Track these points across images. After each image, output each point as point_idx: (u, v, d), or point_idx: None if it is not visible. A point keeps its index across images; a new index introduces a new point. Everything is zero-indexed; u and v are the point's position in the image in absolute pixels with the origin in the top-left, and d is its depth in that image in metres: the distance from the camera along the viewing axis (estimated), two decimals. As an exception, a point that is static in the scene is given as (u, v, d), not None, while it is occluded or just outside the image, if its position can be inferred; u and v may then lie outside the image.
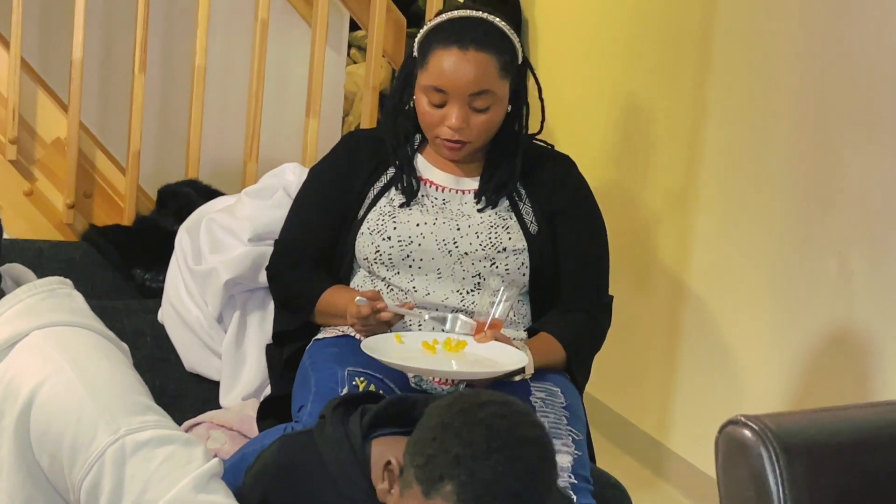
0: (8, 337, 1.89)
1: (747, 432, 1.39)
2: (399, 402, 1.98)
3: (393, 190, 2.80)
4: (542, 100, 2.88)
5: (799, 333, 3.67)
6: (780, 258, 3.77)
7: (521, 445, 1.74)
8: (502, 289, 2.66)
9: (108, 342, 1.97)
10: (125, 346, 2.03)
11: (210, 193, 3.50)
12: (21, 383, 1.85)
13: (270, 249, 3.09)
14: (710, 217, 4.14)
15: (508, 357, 2.58)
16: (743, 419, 1.38)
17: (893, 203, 3.35)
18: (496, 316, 2.65)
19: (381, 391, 2.58)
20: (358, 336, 2.72)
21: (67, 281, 2.05)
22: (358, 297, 2.58)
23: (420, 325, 2.73)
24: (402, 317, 2.64)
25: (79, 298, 2.03)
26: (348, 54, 4.98)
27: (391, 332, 2.65)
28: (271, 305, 3.10)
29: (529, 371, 2.66)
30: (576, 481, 2.56)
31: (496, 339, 2.62)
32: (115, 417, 1.83)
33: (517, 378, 2.65)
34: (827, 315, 3.56)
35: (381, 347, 2.56)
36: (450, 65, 2.68)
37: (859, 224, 3.47)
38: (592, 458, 2.77)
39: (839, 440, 1.42)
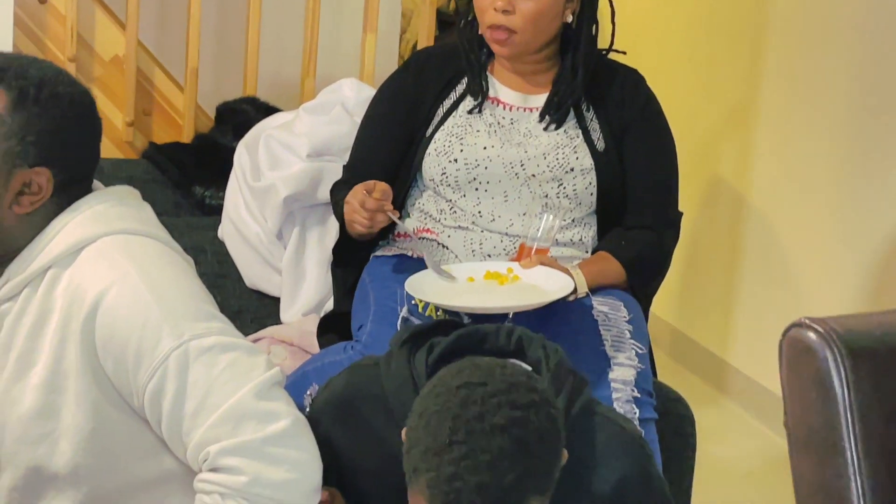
0: (76, 241, 1.89)
1: (812, 335, 1.36)
2: (468, 336, 1.95)
3: (461, 107, 2.77)
4: (613, 23, 2.82)
5: (863, 245, 3.63)
6: (843, 169, 3.73)
7: (487, 435, 1.64)
8: (546, 213, 2.64)
9: (174, 253, 1.97)
10: (190, 258, 2.04)
11: (268, 110, 3.50)
12: (87, 288, 1.86)
13: (329, 165, 3.09)
14: (771, 131, 4.09)
15: (555, 283, 2.56)
16: (808, 322, 1.35)
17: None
18: (542, 241, 2.63)
19: (440, 313, 2.56)
20: (412, 254, 2.70)
21: (136, 192, 2.06)
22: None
23: (456, 256, 2.71)
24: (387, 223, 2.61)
25: (147, 209, 2.03)
26: (405, -30, 4.94)
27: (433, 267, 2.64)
28: (331, 221, 3.10)
29: (582, 290, 2.63)
30: (639, 395, 2.54)
31: (542, 264, 2.60)
32: (180, 323, 1.83)
33: (571, 298, 2.63)
34: (892, 225, 3.51)
35: (424, 284, 2.54)
36: None
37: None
38: (654, 374, 2.76)
39: (906, 343, 1.39)
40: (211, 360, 1.82)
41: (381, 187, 2.59)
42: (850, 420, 1.34)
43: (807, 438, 1.37)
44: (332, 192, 2.90)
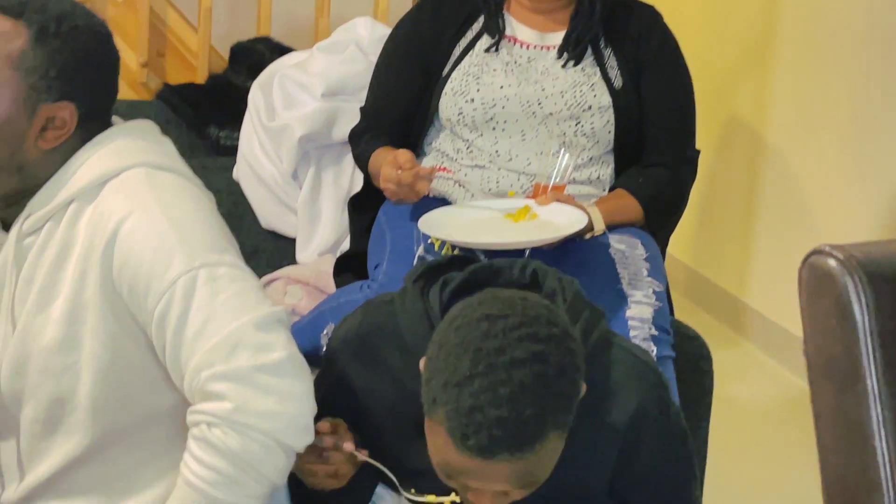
0: (99, 175, 1.89)
1: (832, 262, 1.35)
2: (482, 270, 1.94)
3: (478, 46, 2.75)
4: None
5: (880, 183, 3.61)
6: (860, 107, 3.70)
7: (508, 368, 1.63)
8: (563, 150, 2.63)
9: (195, 187, 1.97)
10: (211, 194, 2.03)
11: (282, 50, 3.48)
12: (108, 218, 1.86)
13: (344, 105, 3.08)
14: (788, 70, 4.06)
15: (571, 219, 2.55)
16: (828, 248, 1.34)
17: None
18: (558, 180, 2.62)
19: (456, 251, 2.56)
20: (429, 193, 2.69)
21: (156, 126, 2.06)
22: None
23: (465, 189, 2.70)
24: (430, 181, 2.60)
25: (168, 143, 2.03)
26: None
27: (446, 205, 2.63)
28: (346, 161, 3.09)
29: (599, 228, 2.62)
30: (656, 333, 2.54)
31: (559, 201, 2.58)
32: (194, 250, 1.83)
33: (588, 236, 2.62)
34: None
35: (438, 223, 2.53)
36: None
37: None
38: (671, 312, 2.75)
39: (928, 270, 1.37)
40: (217, 288, 1.82)
41: (405, 157, 2.58)
42: (870, 348, 1.33)
43: (827, 367, 1.36)
44: (352, 139, 2.89)
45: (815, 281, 1.34)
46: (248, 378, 1.78)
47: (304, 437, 1.82)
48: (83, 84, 1.90)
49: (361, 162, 2.81)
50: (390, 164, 2.59)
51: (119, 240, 1.84)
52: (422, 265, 1.97)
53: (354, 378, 1.92)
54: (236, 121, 3.24)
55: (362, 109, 2.90)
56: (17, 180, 1.91)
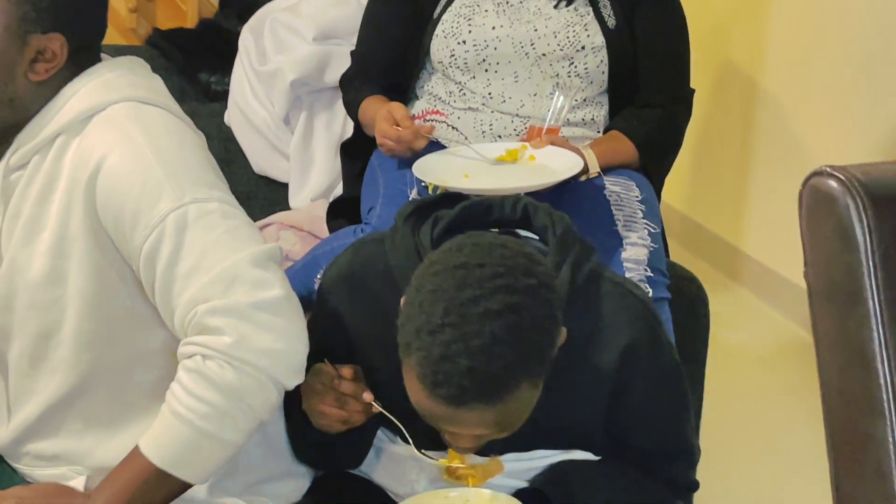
0: (86, 109, 1.87)
1: (833, 183, 1.32)
2: (473, 207, 1.91)
3: None
4: None
5: (877, 128, 3.60)
6: (856, 52, 3.68)
7: (481, 319, 1.61)
8: (557, 92, 2.60)
9: (183, 123, 1.94)
10: (202, 134, 2.01)
11: (272, -7, 3.45)
12: (93, 151, 1.84)
13: (336, 49, 3.06)
14: (783, 14, 4.03)
15: (566, 163, 2.53)
16: (829, 170, 1.31)
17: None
18: (552, 121, 2.59)
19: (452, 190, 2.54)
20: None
21: (146, 63, 2.03)
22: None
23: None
24: (428, 139, 2.59)
25: (158, 80, 2.01)
26: None
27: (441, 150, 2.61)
28: (338, 105, 3.07)
29: (594, 170, 2.61)
30: (652, 274, 2.52)
31: (553, 144, 2.56)
32: (182, 185, 1.81)
33: (583, 178, 2.60)
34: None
35: (432, 167, 2.51)
36: None
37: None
38: (667, 254, 2.74)
39: (930, 191, 1.36)
40: (210, 224, 1.80)
41: (402, 113, 2.56)
42: (872, 269, 1.31)
43: (828, 290, 1.35)
44: (342, 84, 2.86)
45: (816, 203, 1.32)
46: (247, 314, 1.76)
47: (296, 377, 1.81)
48: (74, 15, 1.88)
49: (351, 109, 2.79)
50: (385, 118, 2.57)
51: (103, 174, 1.82)
52: (412, 203, 1.94)
53: (346, 317, 1.91)
54: (227, 66, 3.22)
55: (353, 53, 2.88)
56: (7, 113, 1.89)
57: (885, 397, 1.32)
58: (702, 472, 2.07)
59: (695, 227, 4.47)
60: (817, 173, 1.33)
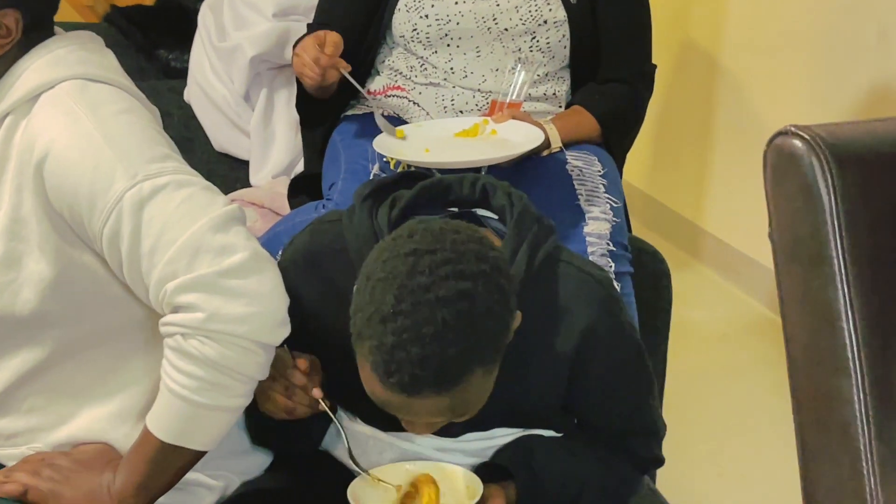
0: (34, 87, 1.84)
1: (797, 142, 1.32)
2: (431, 187, 1.89)
3: None
4: None
5: (835, 105, 3.61)
6: (817, 30, 3.69)
7: (432, 307, 1.58)
8: (518, 66, 2.60)
9: (134, 100, 1.91)
10: (155, 108, 1.98)
11: (232, -30, 3.42)
12: (39, 134, 1.81)
13: (296, 25, 3.03)
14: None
15: (527, 136, 2.52)
16: (793, 129, 1.31)
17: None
18: (514, 96, 2.59)
19: (412, 169, 2.52)
20: (383, 112, 2.65)
21: (99, 38, 2.00)
22: None
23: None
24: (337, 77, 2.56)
25: (110, 55, 1.98)
26: None
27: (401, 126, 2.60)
28: (299, 82, 3.05)
29: (556, 144, 2.60)
30: (614, 248, 2.52)
31: (514, 118, 2.56)
32: (133, 164, 1.78)
33: (545, 153, 2.60)
34: (867, 84, 3.49)
35: (394, 142, 2.51)
36: None
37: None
38: (629, 229, 2.74)
39: (894, 150, 1.35)
40: (166, 198, 1.77)
41: (333, 39, 2.54)
42: (836, 228, 1.31)
43: (793, 249, 1.34)
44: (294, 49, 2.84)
45: (781, 162, 1.32)
46: (215, 284, 1.74)
47: (281, 331, 1.79)
48: None
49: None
50: (315, 38, 2.55)
51: (51, 159, 1.79)
52: (370, 183, 1.91)
53: (303, 297, 1.88)
54: (186, 43, 3.19)
55: (310, 27, 2.86)
56: None
57: (849, 356, 1.32)
58: (665, 449, 2.07)
59: (656, 205, 4.47)
60: (781, 133, 1.33)
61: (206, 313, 1.74)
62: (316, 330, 1.89)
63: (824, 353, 1.33)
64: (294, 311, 1.81)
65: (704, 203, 4.28)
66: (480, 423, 1.86)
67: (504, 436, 1.93)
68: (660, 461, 2.05)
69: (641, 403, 1.97)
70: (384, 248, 1.67)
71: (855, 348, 1.32)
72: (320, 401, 1.84)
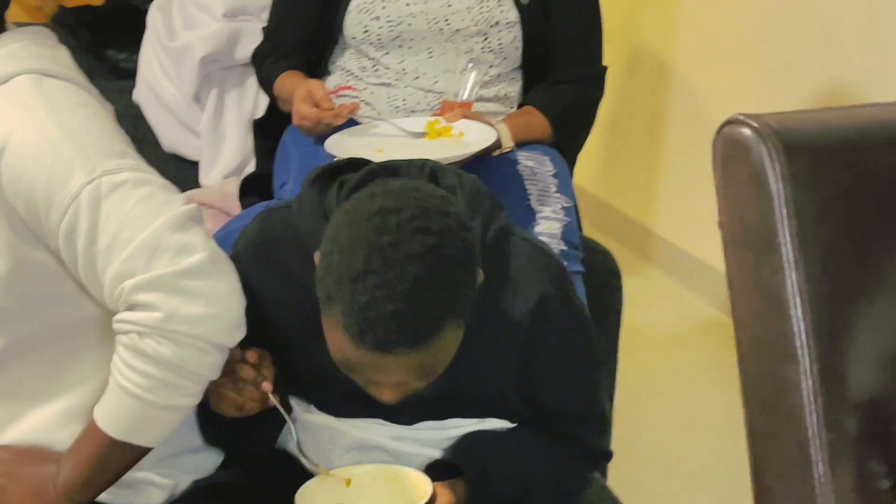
0: None
1: (747, 130, 1.33)
2: (380, 170, 1.89)
3: None
4: None
5: (788, 105, 3.61)
6: (764, 29, 3.71)
7: (402, 263, 1.60)
8: (470, 67, 2.60)
9: (90, 95, 1.90)
10: (111, 106, 1.97)
11: (182, -30, 3.41)
12: None
13: (247, 25, 3.04)
14: (694, -5, 4.07)
15: (479, 135, 2.53)
16: (742, 118, 1.32)
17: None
18: (465, 96, 2.60)
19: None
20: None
21: (52, 34, 1.98)
22: None
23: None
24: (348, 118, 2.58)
25: (63, 51, 1.95)
26: None
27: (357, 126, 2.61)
28: (249, 82, 3.05)
29: (507, 144, 2.62)
30: (565, 248, 2.53)
31: (466, 118, 2.57)
32: (91, 159, 1.76)
33: (496, 153, 2.60)
34: (815, 81, 3.52)
35: (345, 142, 2.51)
36: None
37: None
38: (580, 229, 2.75)
39: (842, 138, 1.37)
40: (124, 195, 1.76)
41: (321, 94, 2.57)
42: (785, 215, 1.32)
43: (742, 237, 1.35)
44: (255, 60, 2.84)
45: (730, 150, 1.33)
46: (174, 284, 1.73)
47: (237, 334, 1.79)
48: None
49: (267, 85, 2.77)
50: (304, 99, 2.56)
51: (7, 153, 1.77)
52: (318, 168, 1.92)
53: (257, 286, 1.87)
54: (135, 43, 3.18)
55: (265, 29, 2.85)
56: None
57: (798, 342, 1.33)
58: (616, 449, 2.07)
59: (606, 208, 4.49)
60: (731, 121, 1.33)
61: (164, 313, 1.73)
62: (271, 316, 1.88)
63: (773, 339, 1.34)
64: (249, 301, 1.80)
65: (655, 206, 4.30)
66: (437, 409, 1.87)
67: (458, 427, 1.93)
68: (608, 455, 2.06)
69: (589, 384, 1.97)
70: (348, 211, 1.68)
71: (803, 335, 1.32)
72: (270, 395, 1.83)
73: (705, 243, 3.99)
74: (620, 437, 2.06)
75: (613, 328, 2.73)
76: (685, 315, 4.02)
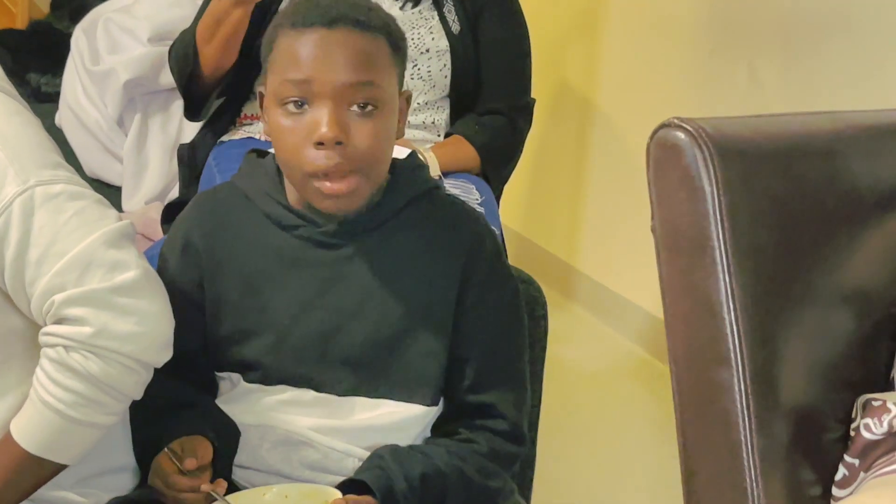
0: None
1: (681, 134, 1.33)
2: None
3: None
4: None
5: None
6: (689, 70, 3.75)
7: None
8: None
9: (20, 104, 1.87)
10: (37, 119, 1.94)
11: (107, -6, 3.39)
12: None
13: (171, 50, 3.00)
14: (618, 34, 4.10)
15: None
16: (676, 121, 1.32)
17: (800, 7, 3.32)
18: None
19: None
20: (260, 137, 2.64)
21: None
22: None
23: None
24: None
25: None
26: None
27: None
28: (174, 107, 3.02)
29: (435, 172, 2.61)
30: (492, 281, 2.53)
31: (397, 144, 2.56)
32: (25, 168, 1.73)
33: (422, 180, 2.60)
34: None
35: None
36: None
37: (768, 31, 3.45)
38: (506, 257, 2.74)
39: (775, 145, 1.37)
40: (58, 207, 1.73)
41: None
42: (718, 219, 1.32)
43: (675, 241, 1.35)
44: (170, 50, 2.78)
45: (663, 153, 1.33)
46: (106, 300, 1.70)
47: (165, 354, 1.77)
48: None
49: (186, 52, 2.68)
50: None
51: None
52: (251, 150, 1.98)
53: (206, 257, 1.90)
54: (58, 66, 3.16)
55: (184, 30, 2.80)
56: None
57: (730, 346, 1.32)
58: (537, 481, 2.07)
59: (529, 245, 4.50)
60: (665, 125, 1.34)
61: (94, 328, 1.70)
62: (225, 272, 1.89)
63: (705, 343, 1.34)
64: (193, 276, 1.86)
65: (578, 243, 4.31)
66: (368, 375, 1.86)
67: (389, 412, 1.90)
68: (522, 438, 2.03)
69: (513, 348, 1.99)
70: None
71: (736, 339, 1.32)
72: (213, 493, 1.82)
73: (629, 281, 4.01)
74: (542, 471, 2.06)
75: (539, 356, 2.72)
76: (608, 352, 4.03)
